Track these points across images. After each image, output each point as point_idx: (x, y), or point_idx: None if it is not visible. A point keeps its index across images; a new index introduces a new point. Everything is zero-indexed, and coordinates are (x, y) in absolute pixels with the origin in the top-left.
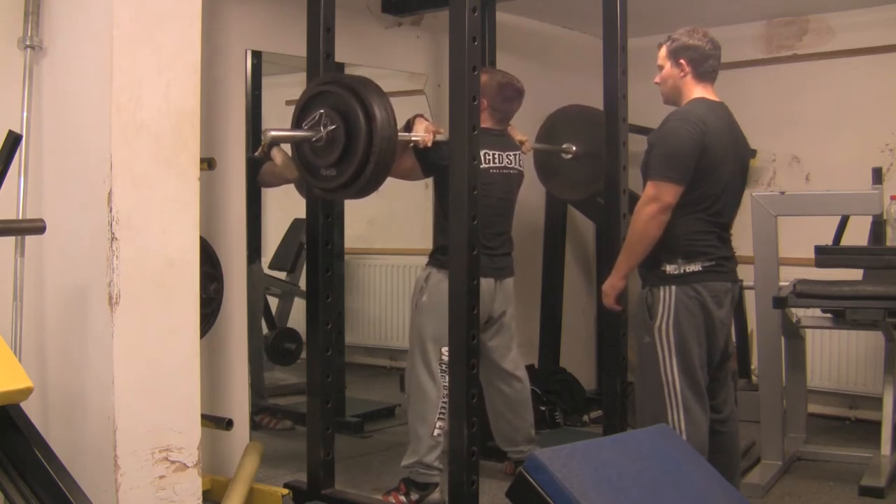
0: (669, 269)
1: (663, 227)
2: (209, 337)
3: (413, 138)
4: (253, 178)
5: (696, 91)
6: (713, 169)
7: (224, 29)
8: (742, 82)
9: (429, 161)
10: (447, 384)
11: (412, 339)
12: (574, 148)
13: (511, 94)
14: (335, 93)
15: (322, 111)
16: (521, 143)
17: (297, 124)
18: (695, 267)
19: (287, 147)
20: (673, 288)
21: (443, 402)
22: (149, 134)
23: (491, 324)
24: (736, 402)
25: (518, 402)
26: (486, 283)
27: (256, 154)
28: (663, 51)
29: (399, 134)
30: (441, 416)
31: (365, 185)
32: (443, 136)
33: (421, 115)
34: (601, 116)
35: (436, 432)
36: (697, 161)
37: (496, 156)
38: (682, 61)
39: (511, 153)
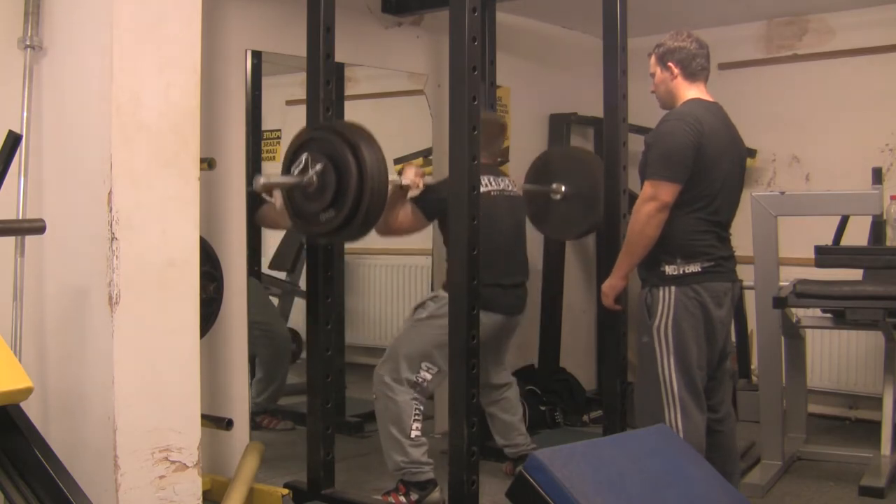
0: (669, 269)
1: (661, 225)
2: (209, 337)
3: (403, 182)
4: (251, 216)
5: (690, 92)
6: (710, 168)
7: (224, 29)
8: (742, 82)
9: (427, 203)
10: (417, 395)
11: (394, 346)
12: (563, 188)
13: (495, 131)
14: (319, 138)
15: (306, 155)
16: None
17: (286, 172)
18: (694, 268)
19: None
20: (672, 289)
21: (417, 406)
22: (149, 134)
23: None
24: (735, 405)
25: (506, 400)
26: (491, 319)
27: (256, 190)
28: (652, 59)
29: (389, 179)
30: (416, 417)
31: (363, 222)
32: (431, 179)
33: (409, 164)
34: (588, 155)
35: (413, 434)
36: (694, 160)
37: (492, 180)
38: (670, 64)
39: (506, 179)
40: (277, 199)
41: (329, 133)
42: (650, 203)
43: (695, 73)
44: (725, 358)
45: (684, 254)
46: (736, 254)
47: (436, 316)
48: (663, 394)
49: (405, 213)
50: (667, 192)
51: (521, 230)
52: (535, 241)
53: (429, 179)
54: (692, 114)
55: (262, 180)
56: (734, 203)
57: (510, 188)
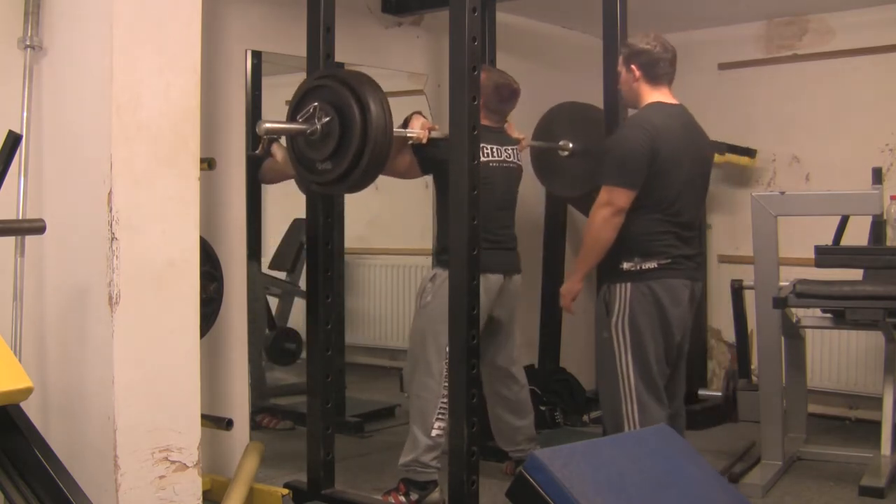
0: (626, 266)
1: (617, 230)
2: (209, 337)
3: (409, 134)
4: (253, 176)
5: (652, 95)
6: (668, 171)
7: (224, 29)
8: (742, 82)
9: (426, 157)
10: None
11: (414, 338)
12: (571, 144)
13: (507, 95)
14: (330, 86)
15: (316, 104)
16: (519, 140)
17: (292, 118)
18: (650, 264)
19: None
20: (628, 285)
21: (442, 402)
22: (149, 134)
23: (487, 322)
24: (735, 405)
25: (517, 403)
26: (494, 279)
27: (257, 152)
28: (620, 58)
29: (395, 130)
30: (440, 416)
31: (360, 178)
32: (439, 133)
33: (418, 113)
34: (597, 112)
35: (434, 433)
36: (650, 165)
37: (495, 150)
38: (633, 67)
39: (509, 147)
40: (278, 153)
41: (340, 84)
42: (605, 208)
43: (658, 76)
44: (683, 356)
45: (642, 252)
46: (736, 254)
47: (439, 295)
48: (621, 388)
49: (403, 158)
50: (621, 197)
51: (512, 202)
52: (534, 241)
53: (436, 133)
54: (648, 119)
55: (266, 125)
56: (698, 203)
57: (511, 158)
